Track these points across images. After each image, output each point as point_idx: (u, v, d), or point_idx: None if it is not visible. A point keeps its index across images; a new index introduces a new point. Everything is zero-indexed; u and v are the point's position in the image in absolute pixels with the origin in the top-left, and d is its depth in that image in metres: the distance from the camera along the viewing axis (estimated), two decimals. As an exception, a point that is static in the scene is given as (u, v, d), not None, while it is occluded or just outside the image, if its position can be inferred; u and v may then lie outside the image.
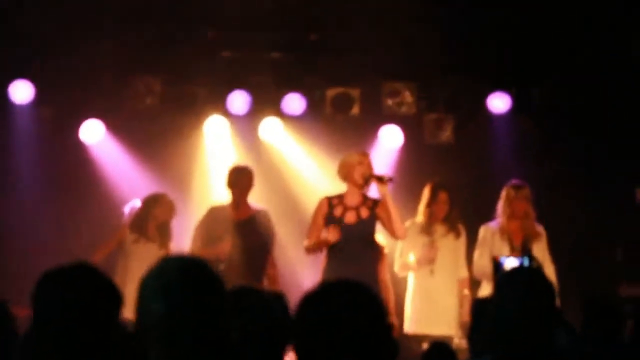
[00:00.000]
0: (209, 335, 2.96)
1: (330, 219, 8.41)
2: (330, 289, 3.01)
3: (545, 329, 3.93)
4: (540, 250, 8.95)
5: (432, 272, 9.14)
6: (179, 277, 2.97)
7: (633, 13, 10.02)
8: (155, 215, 9.39)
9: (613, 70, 10.21)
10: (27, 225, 10.36)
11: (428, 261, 9.13)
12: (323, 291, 3.00)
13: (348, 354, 2.86)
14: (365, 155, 8.59)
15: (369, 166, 8.46)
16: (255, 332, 3.61)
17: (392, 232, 8.47)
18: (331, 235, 8.35)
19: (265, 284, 9.17)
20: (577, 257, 10.06)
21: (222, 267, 8.80)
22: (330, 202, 8.48)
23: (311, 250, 8.52)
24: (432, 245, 9.16)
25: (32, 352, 3.32)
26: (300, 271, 10.22)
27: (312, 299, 2.99)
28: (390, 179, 8.40)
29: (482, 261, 8.98)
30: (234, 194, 9.24)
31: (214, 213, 9.27)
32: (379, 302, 3.00)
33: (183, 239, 9.49)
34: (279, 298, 4.05)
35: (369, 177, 8.42)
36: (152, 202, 9.43)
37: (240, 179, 9.24)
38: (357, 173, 8.41)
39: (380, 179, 8.37)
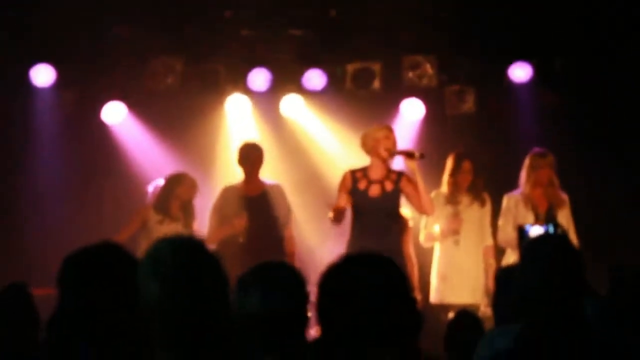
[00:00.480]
0: (206, 314, 2.94)
1: (354, 192, 8.43)
2: (353, 261, 3.01)
3: (573, 297, 3.91)
4: (564, 218, 8.93)
5: (457, 242, 9.15)
6: (172, 259, 2.96)
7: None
8: (178, 194, 9.40)
9: (636, 40, 10.14)
10: (51, 208, 10.43)
11: (453, 232, 9.14)
12: (346, 263, 3.00)
13: (372, 326, 2.86)
14: (390, 129, 8.60)
15: (394, 141, 8.48)
16: (276, 307, 3.61)
17: (419, 207, 8.49)
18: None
19: (284, 258, 9.21)
20: (601, 225, 10.02)
21: (241, 239, 8.88)
22: (354, 176, 8.49)
23: (333, 220, 8.52)
24: (456, 216, 9.17)
25: (59, 332, 3.33)
26: (324, 244, 10.23)
27: (335, 271, 2.99)
28: (422, 155, 8.40)
29: (506, 230, 8.97)
30: (245, 170, 9.32)
31: (226, 194, 9.34)
32: (402, 274, 3.00)
33: (206, 218, 9.52)
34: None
35: (397, 152, 8.43)
36: (175, 182, 9.44)
37: (249, 155, 9.31)
38: (382, 147, 8.42)
39: (410, 155, 8.39)
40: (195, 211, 9.49)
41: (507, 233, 8.92)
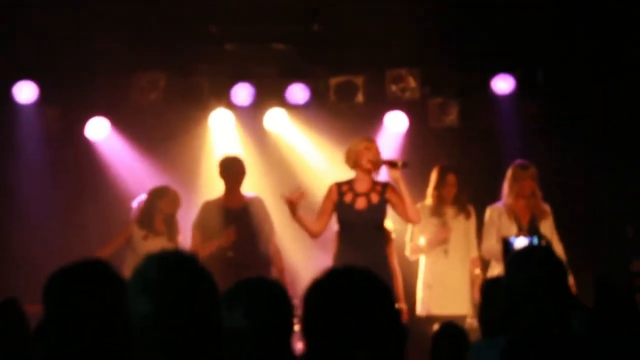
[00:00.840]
0: (196, 330, 2.92)
1: (340, 205, 8.42)
2: (337, 275, 3.01)
3: (558, 309, 3.92)
4: (548, 229, 8.95)
5: (445, 252, 9.16)
6: (161, 276, 2.95)
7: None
8: (161, 208, 9.39)
9: (617, 51, 10.19)
10: (35, 224, 10.39)
11: (441, 242, 9.15)
12: (331, 278, 3.00)
13: (356, 340, 2.86)
14: (371, 141, 8.61)
15: (377, 151, 8.47)
16: (262, 321, 3.60)
17: (405, 217, 8.47)
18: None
19: (273, 272, 9.20)
20: (587, 236, 10.04)
21: (230, 254, 8.86)
22: (340, 189, 8.48)
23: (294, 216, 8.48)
24: (444, 225, 9.19)
25: (44, 348, 3.32)
26: (310, 258, 10.22)
27: (320, 285, 2.99)
28: (405, 164, 8.40)
29: (490, 241, 9.00)
30: (226, 183, 9.32)
31: (207, 208, 9.34)
32: (387, 288, 3.00)
33: (190, 233, 9.52)
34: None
35: (380, 162, 8.43)
36: (157, 195, 9.43)
37: (231, 168, 9.30)
38: (364, 159, 8.40)
39: (393, 164, 8.38)
40: (178, 225, 9.48)
41: (491, 245, 8.94)
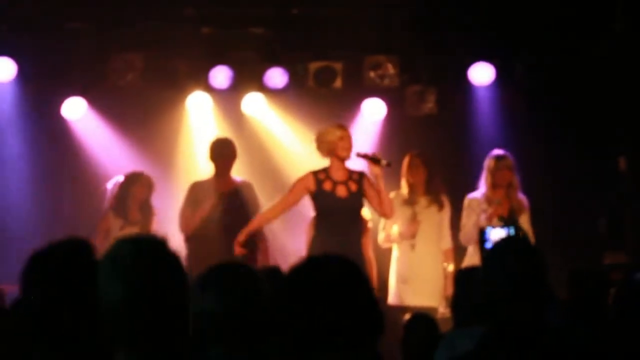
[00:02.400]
0: (165, 314, 2.91)
1: (320, 193, 8.39)
2: (315, 264, 3.01)
3: (535, 300, 3.93)
4: (524, 222, 8.98)
5: (412, 246, 9.15)
6: (132, 259, 2.93)
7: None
8: (135, 194, 9.37)
9: (595, 42, 10.21)
10: (9, 203, 10.34)
11: (410, 235, 9.16)
12: (308, 266, 3.00)
13: (333, 328, 2.86)
14: (344, 129, 8.53)
15: (350, 140, 8.44)
16: (239, 309, 3.60)
17: (380, 210, 8.47)
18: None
19: (259, 257, 9.19)
20: (561, 227, 10.09)
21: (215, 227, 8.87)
22: (317, 177, 8.44)
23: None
24: (413, 219, 9.19)
25: (17, 329, 3.31)
26: (285, 243, 10.24)
27: (297, 273, 2.99)
28: (389, 164, 8.40)
29: (469, 226, 8.99)
30: (217, 166, 9.26)
31: (196, 188, 9.29)
32: (364, 276, 3.01)
33: (167, 215, 9.49)
34: (273, 272, 4.04)
35: (363, 155, 8.41)
36: (130, 182, 9.41)
37: (223, 151, 9.26)
38: (340, 148, 8.38)
39: (375, 161, 8.35)
40: (153, 210, 9.45)
41: (470, 231, 8.93)
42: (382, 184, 8.35)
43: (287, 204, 8.54)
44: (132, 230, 9.18)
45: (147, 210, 9.42)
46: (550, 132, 10.49)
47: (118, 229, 9.24)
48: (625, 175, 10.47)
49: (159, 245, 2.99)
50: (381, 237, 9.30)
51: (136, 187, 9.39)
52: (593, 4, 10.17)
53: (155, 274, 2.91)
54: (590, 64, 10.25)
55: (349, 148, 8.37)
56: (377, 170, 8.32)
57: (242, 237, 8.34)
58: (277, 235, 10.30)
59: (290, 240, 10.23)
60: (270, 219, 8.71)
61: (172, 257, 2.98)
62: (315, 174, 8.46)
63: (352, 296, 2.91)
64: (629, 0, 10.12)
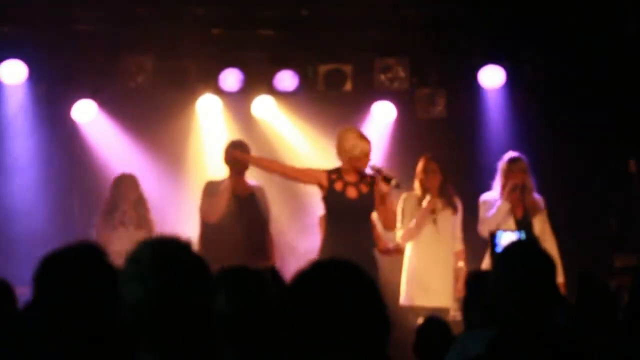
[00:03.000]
0: (189, 317, 2.92)
1: (332, 193, 8.45)
2: (322, 268, 3.01)
3: (545, 304, 3.93)
4: (540, 223, 8.99)
5: (434, 221, 9.10)
6: (154, 262, 2.94)
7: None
8: (126, 196, 9.41)
9: (606, 44, 10.21)
10: (20, 207, 10.35)
11: (430, 212, 9.11)
12: (315, 270, 3.01)
13: (340, 332, 2.87)
14: (367, 141, 8.54)
15: (370, 154, 8.49)
16: (248, 311, 3.61)
17: (383, 220, 8.60)
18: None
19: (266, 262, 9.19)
20: (572, 229, 10.07)
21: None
22: (330, 176, 8.50)
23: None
24: (429, 201, 9.15)
25: (30, 332, 3.33)
26: (296, 246, 10.25)
27: (304, 277, 3.00)
28: (398, 186, 8.47)
29: (485, 217, 8.99)
30: (233, 169, 9.22)
31: (211, 186, 9.28)
32: (372, 281, 3.01)
33: (178, 215, 9.51)
34: (270, 272, 4.05)
35: (376, 169, 8.47)
36: (114, 187, 9.44)
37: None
38: (362, 163, 8.46)
39: (387, 180, 8.41)
40: (147, 205, 9.47)
41: (487, 219, 8.94)
42: (388, 201, 8.45)
43: (292, 172, 8.72)
44: (130, 230, 9.20)
45: (142, 207, 9.43)
46: (560, 133, 10.48)
47: (115, 231, 9.25)
48: (635, 177, 10.45)
49: (184, 248, 3.00)
50: (399, 234, 9.27)
51: (119, 190, 9.42)
52: (603, 4, 10.16)
53: (179, 277, 2.92)
54: (600, 65, 10.23)
55: (367, 163, 8.44)
56: (385, 188, 8.39)
57: (249, 157, 8.50)
58: (288, 235, 10.32)
59: (302, 241, 10.22)
60: (271, 168, 8.84)
61: (197, 259, 3.00)
62: (329, 172, 8.52)
63: (358, 299, 2.91)
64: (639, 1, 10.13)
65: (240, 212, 9.11)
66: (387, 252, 9.16)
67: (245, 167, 9.24)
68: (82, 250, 3.34)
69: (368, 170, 8.51)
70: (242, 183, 9.27)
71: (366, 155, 8.47)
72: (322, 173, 8.55)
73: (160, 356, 2.87)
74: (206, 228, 9.14)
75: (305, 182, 8.71)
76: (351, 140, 8.49)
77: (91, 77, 10.45)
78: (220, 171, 9.39)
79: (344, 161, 8.50)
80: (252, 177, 9.48)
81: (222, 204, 9.03)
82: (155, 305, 2.88)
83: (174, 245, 3.00)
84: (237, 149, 9.24)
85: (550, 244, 8.70)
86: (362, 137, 8.55)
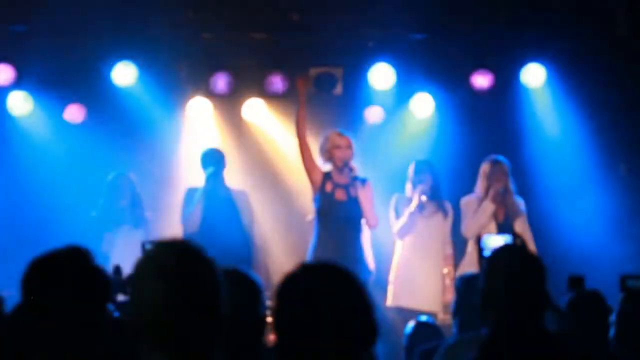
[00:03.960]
0: (205, 318, 2.93)
1: (322, 194, 8.54)
2: (309, 271, 3.01)
3: (533, 307, 3.93)
4: (521, 226, 9.01)
5: (425, 200, 9.10)
6: (172, 262, 2.94)
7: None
8: (121, 195, 9.41)
9: (597, 48, 10.24)
10: (13, 209, 10.34)
11: (422, 193, 9.12)
12: (302, 273, 3.00)
13: (327, 336, 2.87)
14: (344, 137, 8.74)
15: (347, 149, 8.59)
16: (234, 311, 3.61)
17: (368, 218, 8.62)
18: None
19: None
20: (557, 233, 10.09)
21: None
22: (324, 176, 8.62)
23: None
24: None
25: (17, 335, 3.32)
26: (285, 249, 10.25)
27: (291, 280, 2.99)
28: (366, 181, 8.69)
29: (468, 219, 9.01)
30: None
31: (192, 193, 9.28)
32: (359, 284, 3.00)
33: (169, 218, 9.50)
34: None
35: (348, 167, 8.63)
36: (110, 186, 9.44)
37: (219, 160, 9.25)
38: (337, 158, 8.63)
39: (362, 181, 8.65)
40: (142, 204, 9.48)
41: (470, 223, 8.97)
42: (369, 199, 8.65)
43: (308, 151, 8.79)
44: (126, 229, 9.21)
45: (138, 206, 9.44)
46: (549, 137, 10.53)
47: (112, 231, 9.26)
48: (626, 181, 10.49)
49: (199, 250, 3.01)
50: (396, 226, 9.26)
51: (118, 187, 9.43)
52: (593, 10, 10.18)
53: (194, 278, 2.93)
54: (591, 71, 10.27)
55: (344, 157, 8.52)
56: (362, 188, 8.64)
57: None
58: (274, 240, 10.32)
59: (290, 244, 10.22)
60: (302, 132, 8.83)
61: (209, 261, 3.00)
62: (323, 172, 8.61)
63: (344, 304, 2.91)
64: (631, 6, 10.15)
65: (219, 215, 9.10)
66: None
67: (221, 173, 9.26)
68: (70, 253, 3.34)
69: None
70: (221, 185, 9.26)
71: (337, 147, 8.54)
72: (320, 170, 8.68)
73: (169, 355, 2.87)
74: (186, 232, 9.16)
75: (308, 167, 8.73)
76: (329, 136, 8.74)
77: (82, 80, 10.43)
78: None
79: (326, 154, 8.68)
80: (239, 181, 9.49)
81: (198, 213, 9.06)
82: (169, 304, 2.88)
83: (192, 247, 3.01)
84: (213, 157, 9.24)
85: (530, 247, 8.73)
86: (337, 133, 8.74)
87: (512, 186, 9.11)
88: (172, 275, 2.91)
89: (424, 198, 8.90)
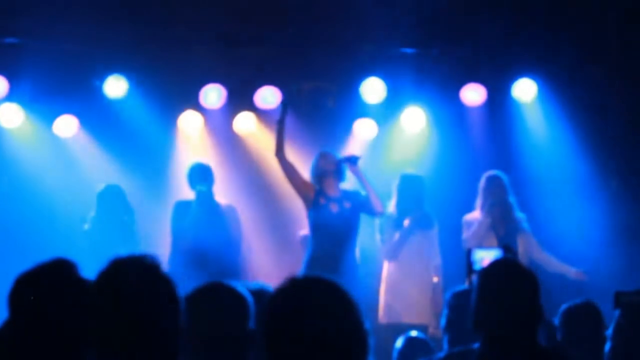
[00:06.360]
0: (159, 335, 2.95)
1: (315, 206, 8.58)
2: (299, 286, 3.00)
3: (526, 322, 3.92)
4: (524, 242, 9.02)
5: (406, 262, 9.13)
6: (128, 280, 2.96)
7: (610, 7, 10.13)
8: (112, 206, 9.41)
9: (589, 63, 10.27)
10: (2, 221, 10.31)
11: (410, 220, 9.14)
12: (292, 287, 2.99)
13: (317, 351, 2.85)
14: (324, 153, 8.91)
15: (331, 158, 8.72)
16: (224, 327, 3.60)
17: (375, 206, 8.72)
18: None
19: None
20: (554, 248, 10.09)
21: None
22: (315, 190, 8.66)
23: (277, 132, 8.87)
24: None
25: (5, 352, 3.30)
26: (275, 263, 10.24)
27: (281, 295, 2.98)
28: (357, 158, 8.83)
29: (468, 236, 9.02)
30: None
31: (181, 207, 9.28)
32: (350, 299, 2.98)
33: (159, 231, 9.49)
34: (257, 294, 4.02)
35: (338, 162, 8.78)
36: (98, 203, 9.45)
37: (207, 176, 9.23)
38: (325, 167, 8.72)
39: (349, 160, 8.78)
40: (134, 216, 9.48)
41: (469, 238, 8.97)
42: (364, 178, 8.77)
43: (293, 170, 8.87)
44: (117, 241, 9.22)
45: (128, 218, 9.44)
46: (543, 150, 10.56)
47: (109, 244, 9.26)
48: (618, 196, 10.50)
49: (154, 267, 3.00)
50: (383, 251, 9.26)
51: (109, 198, 9.43)
52: (585, 26, 10.21)
53: (151, 295, 2.94)
54: (583, 86, 10.30)
55: (329, 165, 8.68)
56: (354, 169, 8.78)
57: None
58: (266, 254, 10.30)
59: (282, 259, 10.21)
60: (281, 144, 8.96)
61: (167, 279, 3.00)
62: (315, 187, 8.65)
63: (335, 319, 2.89)
64: (622, 22, 10.18)
65: (210, 232, 9.08)
66: None
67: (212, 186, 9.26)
68: (56, 267, 3.32)
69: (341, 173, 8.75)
70: (211, 202, 9.24)
71: (324, 157, 8.73)
72: (312, 185, 8.71)
73: None
74: (176, 247, 9.14)
75: (298, 185, 8.75)
76: (315, 164, 8.88)
77: (73, 93, 10.42)
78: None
79: (321, 175, 8.77)
80: (229, 195, 9.49)
81: (189, 230, 9.06)
82: (127, 324, 2.89)
83: (147, 265, 3.00)
84: (203, 174, 9.22)
85: (543, 256, 8.92)
86: (323, 156, 8.93)
87: (512, 201, 9.11)
88: (127, 291, 2.91)
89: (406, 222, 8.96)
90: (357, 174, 8.79)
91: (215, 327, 3.55)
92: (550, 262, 9.11)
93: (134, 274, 2.98)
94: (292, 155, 9.98)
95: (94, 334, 2.92)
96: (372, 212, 8.82)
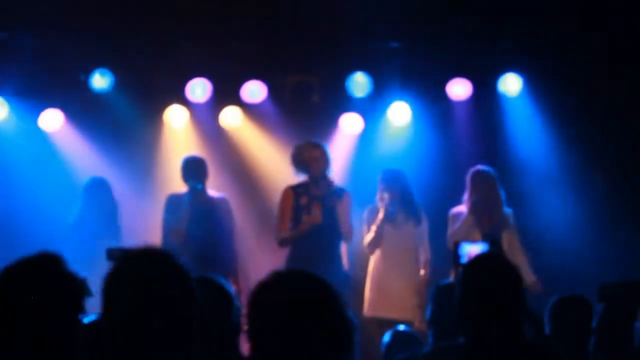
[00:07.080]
0: (180, 324, 2.95)
1: (297, 208, 8.50)
2: (282, 279, 3.00)
3: (510, 317, 3.92)
4: (509, 238, 9.02)
5: (393, 255, 9.13)
6: (151, 269, 2.95)
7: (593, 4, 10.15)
8: (98, 200, 9.40)
9: (575, 57, 10.28)
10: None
11: (386, 203, 9.13)
12: (275, 281, 3.00)
13: (300, 344, 2.86)
14: (320, 148, 8.78)
15: (323, 159, 8.58)
16: (208, 320, 3.61)
17: (342, 231, 8.65)
18: (315, 217, 8.44)
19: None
20: (540, 242, 10.11)
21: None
22: (295, 191, 8.57)
23: (290, 239, 8.55)
24: (394, 228, 9.16)
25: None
26: (265, 256, 10.23)
27: (264, 288, 2.99)
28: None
29: (453, 230, 9.00)
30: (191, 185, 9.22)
31: (173, 200, 9.26)
32: (333, 293, 2.99)
33: (146, 225, 9.48)
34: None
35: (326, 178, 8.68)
36: (83, 197, 9.42)
37: (199, 171, 9.22)
38: (314, 167, 8.59)
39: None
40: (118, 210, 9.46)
41: (454, 233, 8.95)
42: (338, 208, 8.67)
43: (288, 218, 8.62)
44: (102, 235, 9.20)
45: (114, 209, 9.43)
46: (529, 145, 10.58)
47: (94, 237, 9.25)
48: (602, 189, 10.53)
49: (168, 255, 3.01)
50: (365, 241, 9.26)
51: (94, 192, 9.42)
52: (570, 21, 10.23)
53: (168, 283, 2.95)
54: (569, 80, 10.33)
55: (320, 167, 8.53)
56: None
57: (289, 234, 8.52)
58: (251, 249, 10.30)
59: (264, 254, 10.20)
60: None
61: (182, 267, 3.01)
62: (293, 188, 8.56)
63: (318, 311, 2.90)
64: (606, 18, 10.20)
65: (202, 224, 9.07)
66: None
67: (206, 180, 9.24)
68: (41, 260, 3.31)
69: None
70: (203, 195, 9.23)
71: (314, 159, 8.53)
72: (287, 192, 8.72)
73: None
74: (167, 240, 9.12)
75: (293, 210, 8.75)
76: (304, 147, 8.74)
77: (59, 87, 10.40)
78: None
79: (303, 166, 8.72)
80: (217, 188, 9.48)
81: (183, 225, 9.06)
82: (143, 315, 2.89)
83: (164, 255, 3.01)
84: (197, 168, 9.19)
85: (519, 259, 8.72)
86: (311, 144, 8.73)
87: (498, 196, 9.10)
88: (147, 283, 2.90)
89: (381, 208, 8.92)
90: (339, 205, 8.71)
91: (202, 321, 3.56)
92: (521, 269, 9.08)
93: (158, 264, 2.99)
94: (277, 150, 10.04)
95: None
96: (342, 233, 8.76)
